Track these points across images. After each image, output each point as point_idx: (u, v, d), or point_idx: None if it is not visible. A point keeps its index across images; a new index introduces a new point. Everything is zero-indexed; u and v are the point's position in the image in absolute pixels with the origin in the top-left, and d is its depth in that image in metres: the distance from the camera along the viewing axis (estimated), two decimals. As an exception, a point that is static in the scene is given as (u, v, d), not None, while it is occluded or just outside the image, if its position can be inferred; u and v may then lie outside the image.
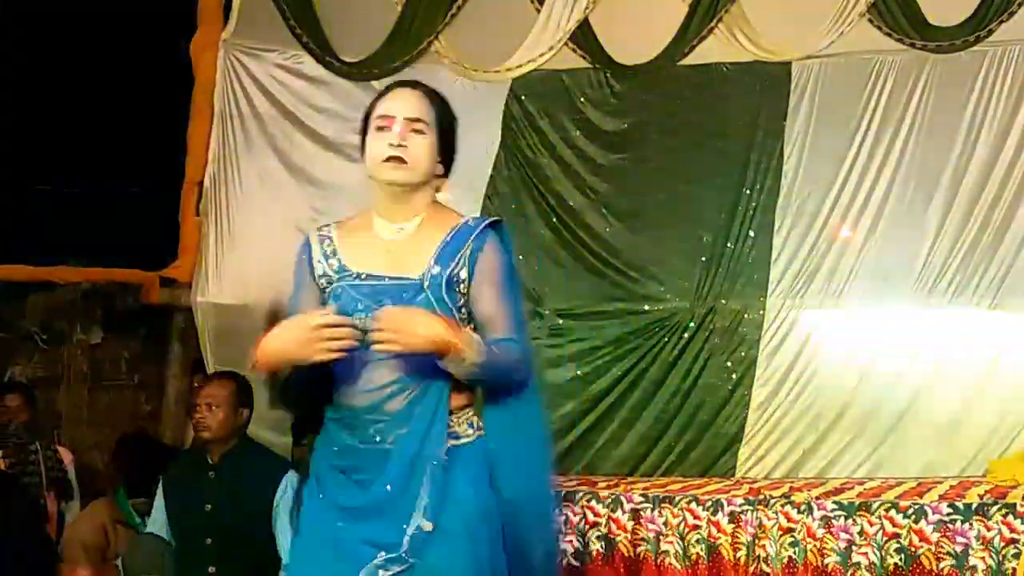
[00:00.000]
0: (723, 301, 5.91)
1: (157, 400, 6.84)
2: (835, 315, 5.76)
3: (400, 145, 2.77)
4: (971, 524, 4.17)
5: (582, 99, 6.23)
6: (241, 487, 4.60)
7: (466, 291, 2.79)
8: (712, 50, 6.09)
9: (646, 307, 6.04)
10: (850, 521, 4.31)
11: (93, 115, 6.26)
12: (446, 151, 2.88)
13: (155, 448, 5.91)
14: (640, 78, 6.23)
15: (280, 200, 6.62)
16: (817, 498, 4.44)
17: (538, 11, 6.32)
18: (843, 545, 4.29)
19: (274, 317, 2.99)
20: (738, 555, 4.40)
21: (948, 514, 4.21)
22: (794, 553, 4.34)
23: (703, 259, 6.00)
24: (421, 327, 2.62)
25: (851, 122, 5.84)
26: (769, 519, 4.39)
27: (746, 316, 5.86)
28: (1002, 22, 5.62)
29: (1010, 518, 4.15)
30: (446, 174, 2.91)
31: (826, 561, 4.30)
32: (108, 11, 6.19)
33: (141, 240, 6.43)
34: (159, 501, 4.76)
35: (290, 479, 4.69)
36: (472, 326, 2.80)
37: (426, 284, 2.75)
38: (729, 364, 5.86)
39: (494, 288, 2.81)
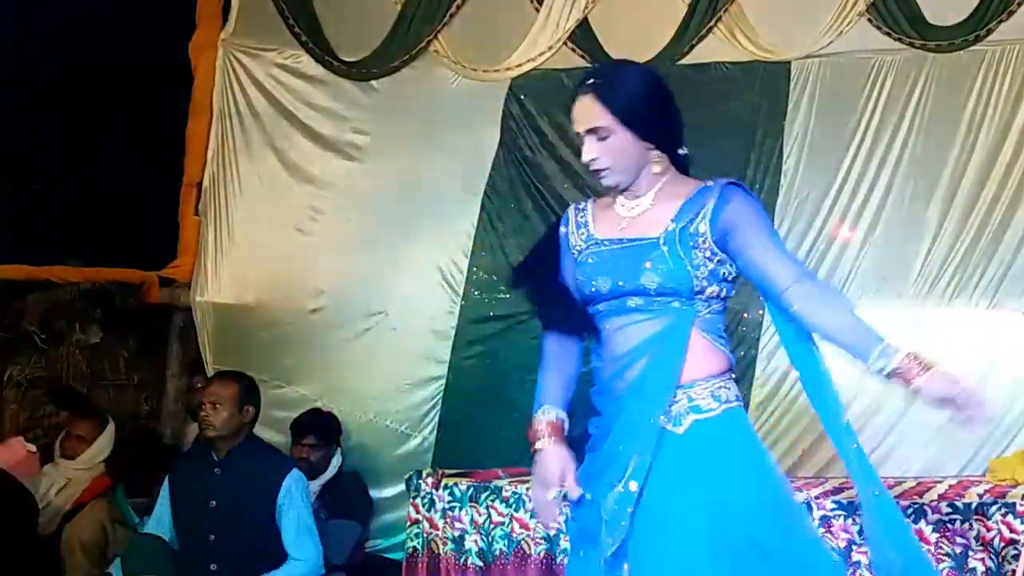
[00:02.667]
0: (722, 301, 5.91)
1: (156, 400, 6.85)
2: (834, 314, 5.75)
3: (592, 159, 2.87)
4: (971, 524, 4.17)
5: (581, 98, 6.22)
6: (246, 485, 4.63)
7: (708, 246, 2.82)
8: (711, 49, 6.07)
9: (646, 306, 6.03)
10: (850, 521, 4.30)
11: (92, 114, 6.25)
12: (650, 128, 2.90)
13: (156, 447, 5.92)
14: (639, 77, 6.22)
15: (279, 199, 6.62)
16: (817, 497, 4.44)
17: (537, 10, 6.31)
18: (843, 545, 4.29)
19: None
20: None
21: (948, 514, 4.21)
22: (793, 553, 4.34)
23: (702, 258, 5.99)
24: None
25: (850, 121, 5.82)
26: (768, 519, 4.39)
27: (745, 316, 5.85)
28: (1001, 21, 5.60)
29: (1010, 518, 4.15)
30: (667, 145, 2.94)
31: (826, 561, 4.30)
32: (107, 10, 6.17)
33: (140, 240, 6.43)
34: (164, 498, 4.77)
35: (294, 477, 4.70)
36: (720, 288, 2.89)
37: (662, 241, 2.82)
38: (728, 363, 5.85)
39: (760, 234, 2.85)
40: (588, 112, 2.85)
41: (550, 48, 6.26)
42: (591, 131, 2.85)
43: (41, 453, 5.95)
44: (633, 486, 2.73)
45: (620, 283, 2.83)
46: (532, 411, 2.96)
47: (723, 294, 2.91)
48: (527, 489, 4.69)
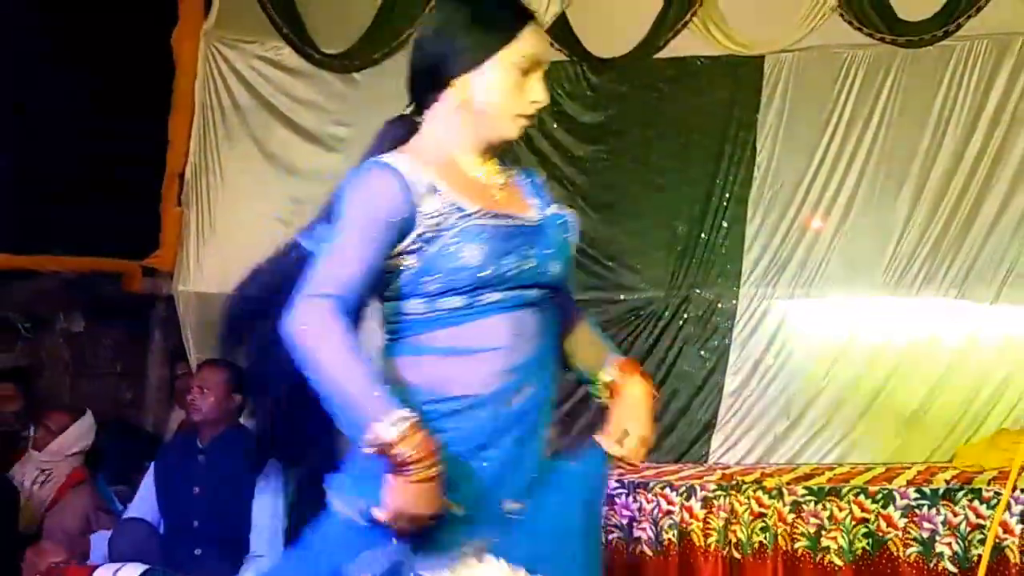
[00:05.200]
0: (697, 290, 6.01)
1: (139, 388, 6.85)
2: (806, 304, 5.86)
3: (542, 100, 2.30)
4: (938, 509, 4.23)
5: (559, 92, 6.27)
6: (229, 471, 4.65)
7: None
8: (687, 44, 6.16)
9: (622, 296, 6.13)
10: (820, 506, 4.37)
11: (74, 105, 6.26)
12: None
13: (135, 435, 5.95)
14: (616, 71, 6.30)
15: (260, 191, 6.64)
16: (788, 483, 4.52)
17: (516, 5, 6.35)
18: (812, 530, 4.36)
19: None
20: (709, 541, 4.47)
21: (916, 499, 4.28)
22: (765, 538, 4.42)
23: (678, 249, 6.10)
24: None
25: (822, 115, 5.93)
26: (741, 504, 4.46)
27: (719, 305, 5.96)
28: (970, 17, 5.69)
29: (976, 503, 4.21)
30: None
31: (796, 546, 4.36)
32: (90, 2, 6.19)
33: (123, 230, 6.44)
34: (148, 484, 4.80)
35: (273, 466, 4.75)
36: None
37: (557, 224, 2.33)
38: (703, 352, 5.96)
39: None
40: (545, 44, 2.35)
41: (528, 42, 6.31)
42: (541, 66, 2.30)
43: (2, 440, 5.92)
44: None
45: (528, 268, 2.21)
46: (367, 416, 2.13)
47: None
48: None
